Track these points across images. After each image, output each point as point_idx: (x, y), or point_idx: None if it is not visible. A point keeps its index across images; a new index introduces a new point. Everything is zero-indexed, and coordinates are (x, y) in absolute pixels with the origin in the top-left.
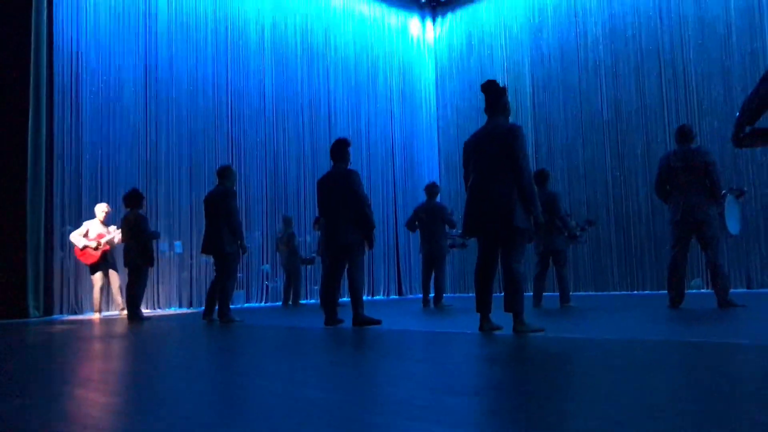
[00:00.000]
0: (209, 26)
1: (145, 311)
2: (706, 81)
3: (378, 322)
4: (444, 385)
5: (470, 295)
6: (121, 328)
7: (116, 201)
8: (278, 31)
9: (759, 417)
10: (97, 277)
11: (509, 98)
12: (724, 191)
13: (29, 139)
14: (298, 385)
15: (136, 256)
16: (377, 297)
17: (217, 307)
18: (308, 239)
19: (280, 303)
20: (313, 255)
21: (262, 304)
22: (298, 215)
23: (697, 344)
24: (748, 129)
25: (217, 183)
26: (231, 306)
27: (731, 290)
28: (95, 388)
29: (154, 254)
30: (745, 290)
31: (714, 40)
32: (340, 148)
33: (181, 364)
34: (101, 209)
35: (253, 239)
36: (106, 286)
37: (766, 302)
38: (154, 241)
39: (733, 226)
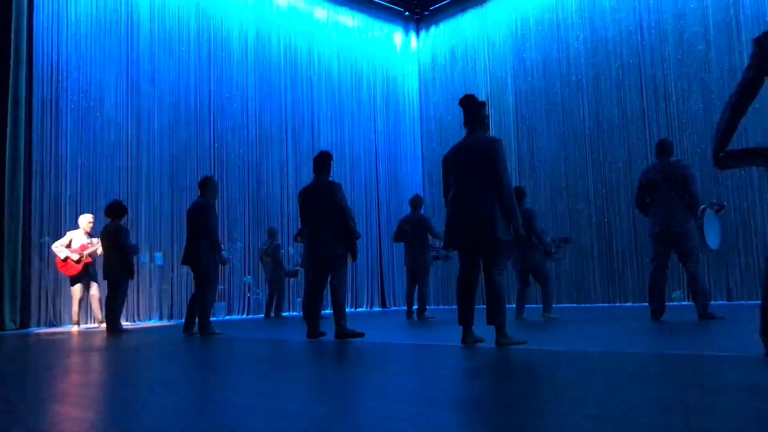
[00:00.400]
0: (192, 37)
1: (125, 323)
2: (686, 95)
3: (360, 334)
4: (426, 398)
5: (453, 307)
6: (99, 341)
7: (98, 213)
8: (261, 42)
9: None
10: (77, 290)
11: (491, 111)
12: (703, 206)
13: (7, 150)
14: (279, 399)
15: (116, 268)
16: (360, 309)
17: (197, 320)
18: (291, 251)
19: (262, 315)
20: (297, 267)
21: (244, 316)
22: (281, 227)
23: (673, 356)
24: (722, 154)
25: (198, 194)
26: (212, 318)
27: (711, 302)
28: (72, 403)
29: (134, 267)
30: (725, 302)
31: (693, 55)
32: (322, 161)
33: (160, 378)
34: (86, 220)
35: (234, 251)
36: (85, 299)
37: (746, 314)
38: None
39: (712, 240)
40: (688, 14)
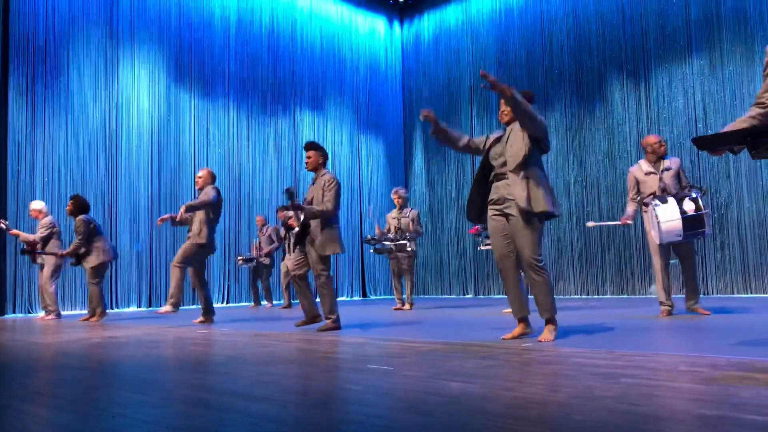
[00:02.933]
0: (172, 22)
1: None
2: (667, 90)
3: (337, 327)
4: (403, 400)
5: (430, 297)
6: (80, 332)
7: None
8: (243, 29)
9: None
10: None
11: (474, 102)
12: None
13: None
14: (256, 400)
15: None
16: (341, 298)
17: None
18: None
19: (246, 304)
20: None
21: (225, 304)
22: (262, 213)
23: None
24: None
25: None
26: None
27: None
28: (43, 403)
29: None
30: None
31: (674, 50)
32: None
33: (139, 377)
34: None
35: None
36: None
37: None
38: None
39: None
40: (669, 10)
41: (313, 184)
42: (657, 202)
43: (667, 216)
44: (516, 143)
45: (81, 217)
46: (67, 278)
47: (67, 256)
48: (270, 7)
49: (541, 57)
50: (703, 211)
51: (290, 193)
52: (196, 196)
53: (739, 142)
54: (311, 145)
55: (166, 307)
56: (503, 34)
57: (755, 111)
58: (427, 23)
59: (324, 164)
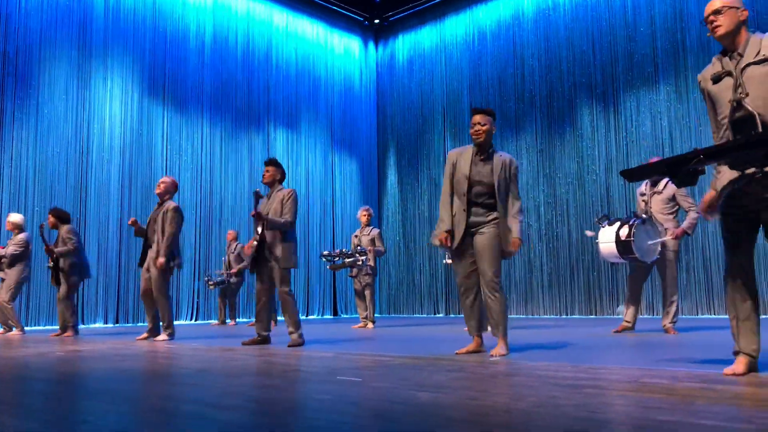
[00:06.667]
0: (147, 36)
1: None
2: (635, 114)
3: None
4: (371, 409)
5: (401, 315)
6: (44, 346)
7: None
8: (219, 46)
9: None
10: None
11: (446, 123)
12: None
13: None
14: (225, 409)
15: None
16: (311, 317)
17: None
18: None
19: (212, 320)
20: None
21: (192, 321)
22: (241, 230)
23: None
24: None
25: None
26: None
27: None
28: (7, 412)
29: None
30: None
31: (642, 76)
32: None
33: (105, 387)
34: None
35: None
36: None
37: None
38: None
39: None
40: (638, 37)
41: (267, 199)
42: (605, 224)
43: (603, 238)
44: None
45: (68, 225)
46: (32, 293)
47: (56, 255)
48: (246, 24)
49: (513, 80)
50: (630, 239)
51: (258, 197)
52: (144, 208)
53: (661, 173)
54: (272, 161)
55: (164, 336)
56: (476, 57)
57: (716, 137)
58: (402, 45)
59: (281, 181)
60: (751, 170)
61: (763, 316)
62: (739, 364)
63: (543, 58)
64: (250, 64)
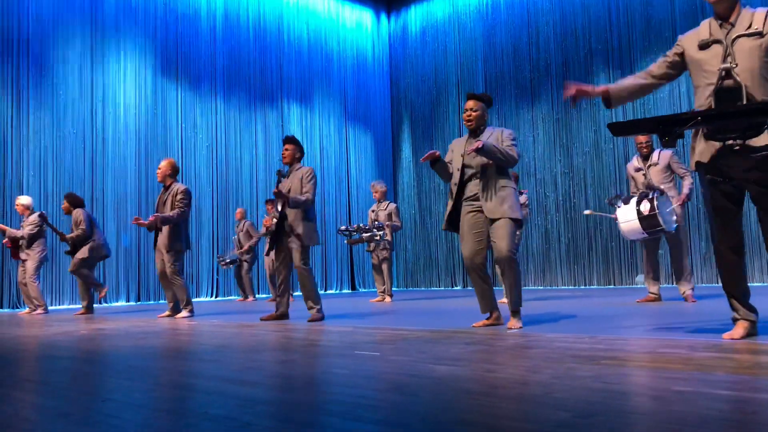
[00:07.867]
0: (159, 15)
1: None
2: None
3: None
4: (389, 382)
5: (419, 289)
6: (67, 325)
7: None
8: (230, 23)
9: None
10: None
11: (460, 94)
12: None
13: None
14: (244, 384)
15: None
16: (330, 291)
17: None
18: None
19: (234, 297)
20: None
21: (213, 298)
22: (249, 207)
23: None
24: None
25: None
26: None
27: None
28: (33, 390)
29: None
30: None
31: (660, 41)
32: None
33: (128, 364)
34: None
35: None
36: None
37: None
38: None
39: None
40: (655, 1)
41: (287, 177)
42: (620, 203)
43: (625, 217)
44: None
45: (80, 209)
46: (54, 273)
47: (67, 241)
48: (257, 0)
49: (527, 50)
50: (656, 211)
51: (281, 175)
52: (160, 187)
53: (650, 130)
54: (291, 139)
55: (184, 313)
56: (490, 27)
57: (643, 74)
58: (414, 16)
59: (299, 159)
60: (730, 142)
61: (763, 284)
62: (738, 329)
63: (558, 26)
64: (262, 40)
